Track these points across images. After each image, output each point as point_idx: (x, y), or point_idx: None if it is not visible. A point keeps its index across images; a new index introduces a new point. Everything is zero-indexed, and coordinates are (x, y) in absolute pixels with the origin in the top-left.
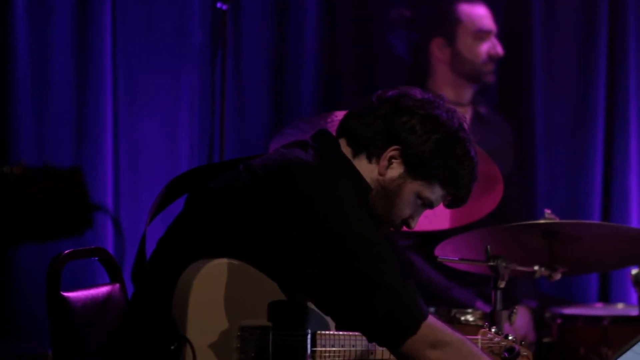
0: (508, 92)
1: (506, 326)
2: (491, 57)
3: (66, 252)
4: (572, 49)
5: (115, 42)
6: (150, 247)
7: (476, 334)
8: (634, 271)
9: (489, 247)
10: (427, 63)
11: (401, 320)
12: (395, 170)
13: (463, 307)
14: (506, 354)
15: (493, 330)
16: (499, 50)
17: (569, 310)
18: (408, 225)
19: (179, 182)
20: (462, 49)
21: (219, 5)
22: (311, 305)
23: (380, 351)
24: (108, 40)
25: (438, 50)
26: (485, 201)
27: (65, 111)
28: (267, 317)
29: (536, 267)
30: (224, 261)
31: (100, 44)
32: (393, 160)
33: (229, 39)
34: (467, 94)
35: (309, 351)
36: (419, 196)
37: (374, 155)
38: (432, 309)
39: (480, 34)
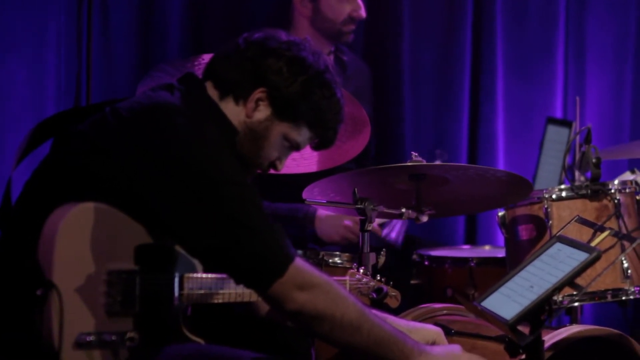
0: (375, 35)
1: None
2: (353, 19)
3: None
4: None
5: None
6: (16, 191)
7: (344, 276)
8: (501, 213)
9: (356, 189)
10: (290, 13)
11: (268, 263)
12: (262, 112)
13: (330, 249)
14: (374, 295)
15: (361, 271)
16: (362, 13)
17: (436, 252)
18: (275, 168)
19: (46, 125)
20: (324, 7)
21: None
22: (179, 249)
23: (248, 293)
24: None
25: (300, 4)
26: (353, 144)
27: None
28: (134, 261)
29: (403, 210)
30: (90, 205)
31: None
32: (260, 102)
33: None
34: (325, 50)
35: (176, 294)
36: (286, 138)
37: (240, 97)
38: (299, 252)
39: None
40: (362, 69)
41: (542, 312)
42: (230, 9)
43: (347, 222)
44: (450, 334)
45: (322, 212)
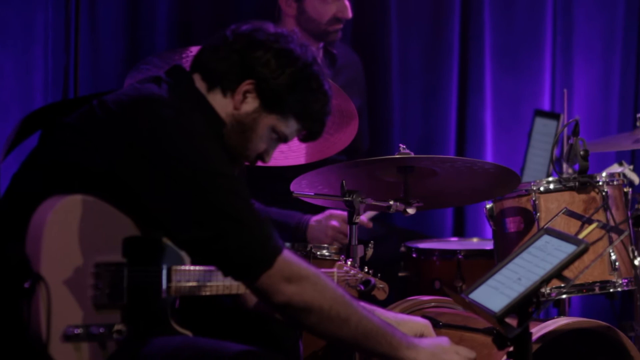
0: (363, 28)
1: None
2: (338, 19)
3: None
4: None
5: None
6: (4, 183)
7: (332, 268)
8: (489, 205)
9: (344, 182)
10: (276, 12)
11: (255, 255)
12: (250, 104)
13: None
14: (362, 287)
15: (349, 263)
16: (348, 14)
17: (424, 245)
18: (263, 160)
19: (33, 117)
20: (308, 8)
21: None
22: (166, 241)
23: (236, 286)
24: None
25: (285, 4)
26: (340, 136)
27: None
28: (122, 253)
29: (391, 202)
30: (78, 197)
31: None
32: (248, 95)
33: None
34: (313, 46)
35: (164, 286)
36: (274, 130)
37: (228, 89)
38: (288, 244)
39: None
40: (353, 61)
41: (530, 305)
42: (218, 2)
43: (334, 222)
44: (438, 326)
45: (313, 220)
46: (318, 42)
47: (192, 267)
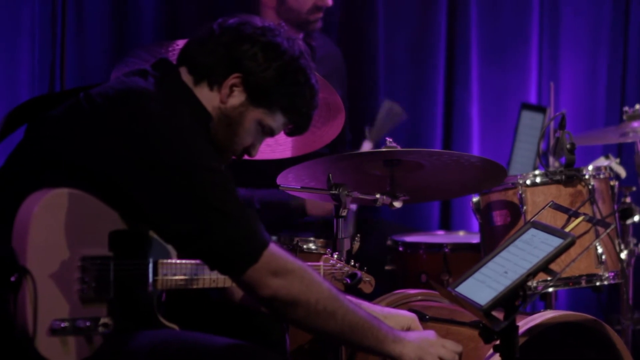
0: (350, 22)
1: None
2: (319, 8)
3: None
4: None
5: None
6: None
7: (318, 261)
8: (475, 199)
9: (330, 175)
10: (256, 3)
11: (242, 248)
12: (237, 98)
13: (305, 235)
14: (348, 280)
15: (335, 256)
16: (328, 2)
17: (410, 238)
18: (249, 153)
19: (20, 111)
20: None
21: None
22: (153, 235)
23: (223, 279)
24: None
25: None
26: (327, 129)
27: None
28: (108, 247)
29: (378, 195)
30: (64, 191)
31: None
32: (234, 88)
33: None
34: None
35: (150, 280)
36: (260, 124)
37: (215, 83)
38: (274, 238)
39: None
40: (332, 53)
41: (516, 298)
42: None
43: None
44: (424, 319)
45: None
46: (298, 32)
47: (178, 261)
